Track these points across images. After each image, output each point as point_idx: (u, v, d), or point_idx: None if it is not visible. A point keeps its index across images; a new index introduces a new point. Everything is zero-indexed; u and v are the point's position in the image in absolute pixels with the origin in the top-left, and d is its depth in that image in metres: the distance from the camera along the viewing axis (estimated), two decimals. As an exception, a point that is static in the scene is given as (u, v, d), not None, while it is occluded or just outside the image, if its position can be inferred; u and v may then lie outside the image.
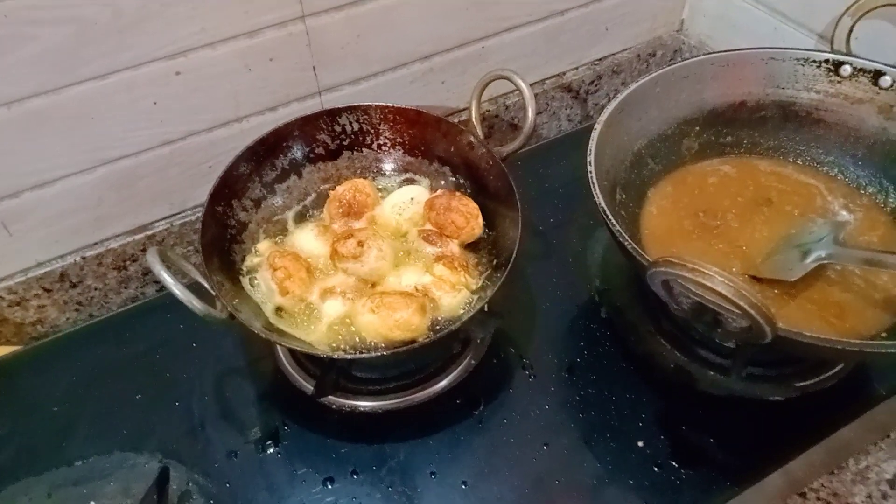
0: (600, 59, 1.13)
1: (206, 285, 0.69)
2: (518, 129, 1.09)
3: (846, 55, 0.80)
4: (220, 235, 0.76)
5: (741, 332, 0.58)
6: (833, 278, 0.73)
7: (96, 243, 0.89)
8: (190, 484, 0.71)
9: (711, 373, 0.76)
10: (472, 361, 0.79)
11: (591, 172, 0.70)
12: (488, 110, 1.04)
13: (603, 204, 0.67)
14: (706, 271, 0.52)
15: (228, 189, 0.77)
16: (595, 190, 0.69)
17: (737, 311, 0.53)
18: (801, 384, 0.75)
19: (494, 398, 0.77)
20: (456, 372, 0.78)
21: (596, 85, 1.14)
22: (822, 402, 0.75)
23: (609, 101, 1.18)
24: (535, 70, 1.07)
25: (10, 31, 0.67)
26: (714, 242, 0.78)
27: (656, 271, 0.57)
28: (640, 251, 0.63)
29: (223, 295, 0.67)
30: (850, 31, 0.81)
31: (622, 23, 1.09)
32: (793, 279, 0.71)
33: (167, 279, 0.61)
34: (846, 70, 0.80)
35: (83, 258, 0.88)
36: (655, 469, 0.70)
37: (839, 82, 0.80)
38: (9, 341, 0.90)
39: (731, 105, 0.84)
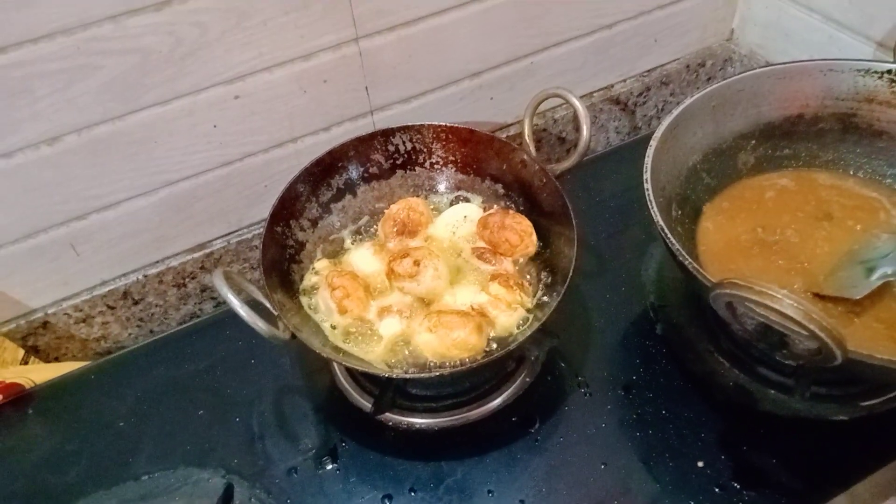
0: (649, 71, 1.12)
1: (268, 305, 0.70)
2: (566, 142, 1.09)
3: (910, 66, 0.78)
4: (280, 255, 0.77)
5: (809, 354, 0.57)
6: (900, 296, 0.71)
7: (157, 262, 0.91)
8: (252, 500, 0.72)
9: (773, 392, 0.75)
10: (527, 379, 0.79)
11: (647, 190, 0.70)
12: (536, 124, 1.04)
13: (661, 222, 0.67)
14: (774, 294, 0.51)
15: (287, 209, 0.79)
16: (652, 207, 0.68)
17: (806, 333, 0.52)
18: (867, 403, 0.73)
19: (550, 416, 0.77)
20: (510, 390, 0.78)
21: (644, 97, 1.13)
22: (889, 421, 0.73)
23: (658, 112, 1.18)
24: (584, 83, 1.06)
25: (81, 61, 0.70)
26: (774, 258, 0.76)
27: (720, 293, 0.56)
28: (701, 271, 0.62)
29: (285, 314, 0.69)
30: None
31: (671, 34, 1.08)
32: (858, 297, 0.70)
33: (233, 301, 0.62)
34: (909, 81, 0.78)
35: (145, 276, 0.91)
36: (717, 490, 0.69)
37: (902, 93, 0.78)
38: (74, 357, 0.94)
39: (788, 118, 0.83)
